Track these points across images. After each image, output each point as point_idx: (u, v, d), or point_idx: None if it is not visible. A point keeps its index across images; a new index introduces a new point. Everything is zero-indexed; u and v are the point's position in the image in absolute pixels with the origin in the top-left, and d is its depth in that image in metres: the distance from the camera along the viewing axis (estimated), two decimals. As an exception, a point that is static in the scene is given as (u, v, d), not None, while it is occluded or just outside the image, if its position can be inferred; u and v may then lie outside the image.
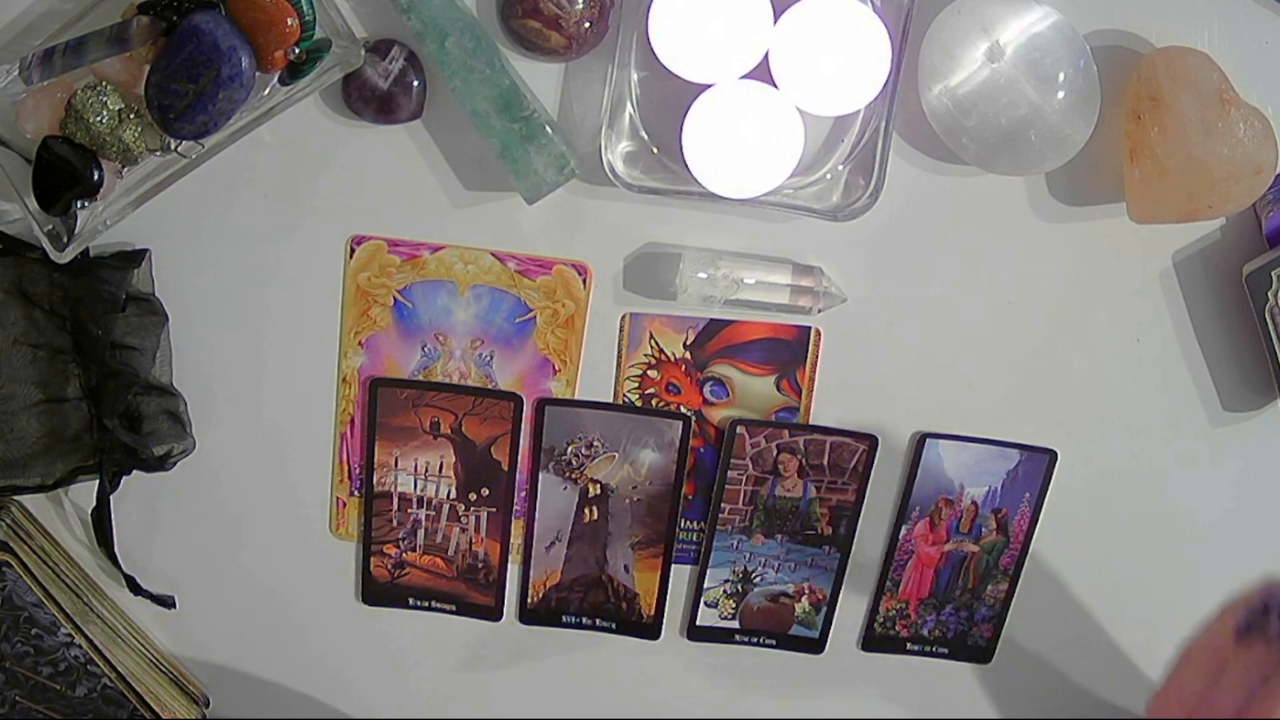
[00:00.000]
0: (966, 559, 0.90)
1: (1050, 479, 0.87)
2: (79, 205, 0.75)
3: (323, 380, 0.85)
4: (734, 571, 0.90)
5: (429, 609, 0.91)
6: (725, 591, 0.90)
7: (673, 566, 0.90)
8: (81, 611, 0.85)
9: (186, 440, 0.85)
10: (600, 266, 0.82)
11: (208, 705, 0.94)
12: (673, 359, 0.84)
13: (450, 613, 0.91)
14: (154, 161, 0.75)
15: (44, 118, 0.73)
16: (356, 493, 0.88)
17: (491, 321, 0.83)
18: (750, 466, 0.86)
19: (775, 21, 0.72)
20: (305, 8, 0.70)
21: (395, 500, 0.88)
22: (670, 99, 0.75)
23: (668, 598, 0.90)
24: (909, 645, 0.92)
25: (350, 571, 0.91)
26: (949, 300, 0.83)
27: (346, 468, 0.87)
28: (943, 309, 0.83)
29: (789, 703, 0.94)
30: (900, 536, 0.89)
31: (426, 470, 0.87)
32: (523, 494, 0.88)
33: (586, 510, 0.88)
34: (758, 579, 0.90)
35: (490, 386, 0.85)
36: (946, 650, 0.93)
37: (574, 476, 0.87)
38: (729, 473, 0.86)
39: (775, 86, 0.73)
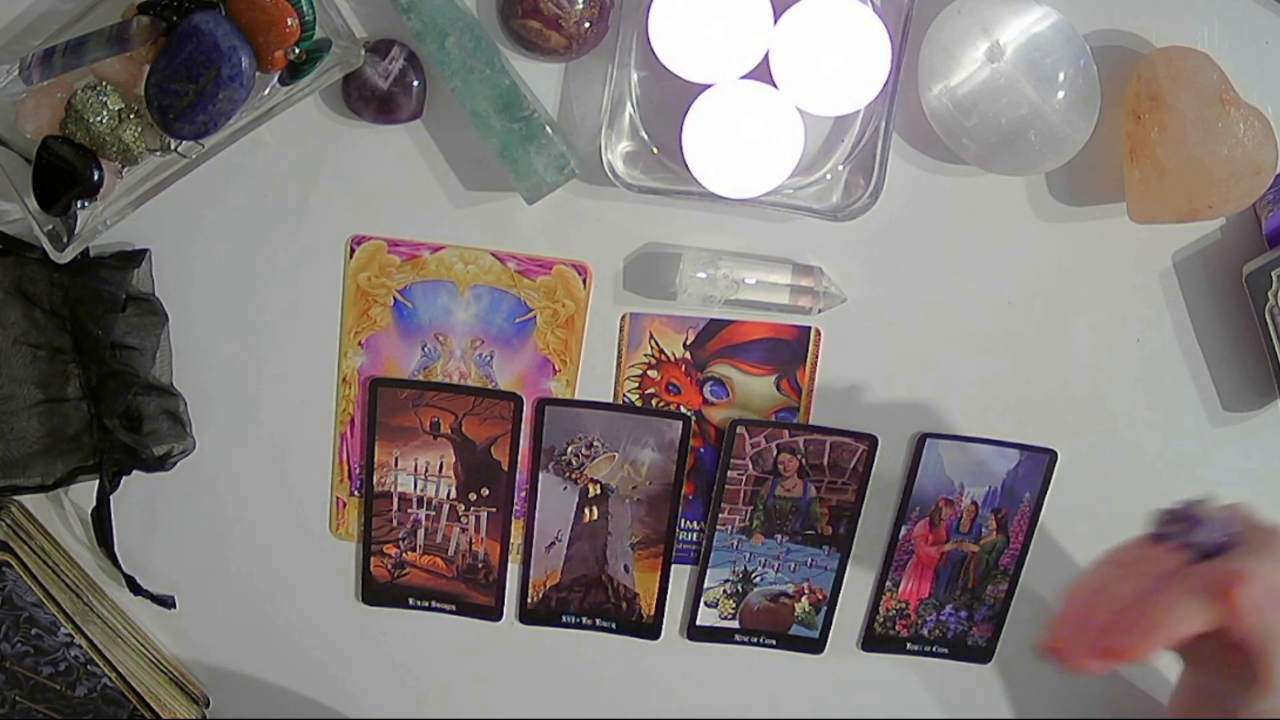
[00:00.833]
0: (966, 559, 0.90)
1: (1050, 479, 0.87)
2: (79, 205, 0.75)
3: (323, 380, 0.85)
4: (734, 571, 0.90)
5: (429, 609, 0.91)
6: (725, 591, 0.90)
7: (673, 566, 0.90)
8: (81, 611, 0.85)
9: (186, 440, 0.85)
10: (600, 266, 0.82)
11: (208, 705, 0.94)
12: (673, 359, 0.84)
13: (450, 613, 0.91)
14: (154, 161, 0.75)
15: (44, 118, 0.73)
16: (356, 493, 0.88)
17: (491, 321, 0.83)
18: (750, 466, 0.86)
19: (775, 21, 0.72)
20: (305, 8, 0.70)
21: (395, 500, 0.88)
22: (670, 99, 0.75)
23: (668, 598, 0.90)
24: (909, 645, 0.92)
25: (350, 571, 0.91)
26: (949, 300, 0.83)
27: (346, 468, 0.87)
28: (943, 309, 0.83)
29: (789, 703, 0.94)
30: (900, 536, 0.89)
31: (426, 470, 0.87)
32: (523, 494, 0.88)
33: (586, 510, 0.88)
34: (758, 579, 0.90)
35: (490, 386, 0.85)
36: (946, 650, 0.93)
37: (574, 476, 0.87)
38: (729, 473, 0.86)
39: (775, 86, 0.73)
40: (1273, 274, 0.79)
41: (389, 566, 0.90)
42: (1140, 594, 0.65)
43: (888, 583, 0.90)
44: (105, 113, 0.72)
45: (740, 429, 0.85)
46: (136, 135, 0.73)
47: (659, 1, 0.71)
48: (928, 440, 0.86)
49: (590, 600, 0.91)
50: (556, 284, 0.82)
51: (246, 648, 0.93)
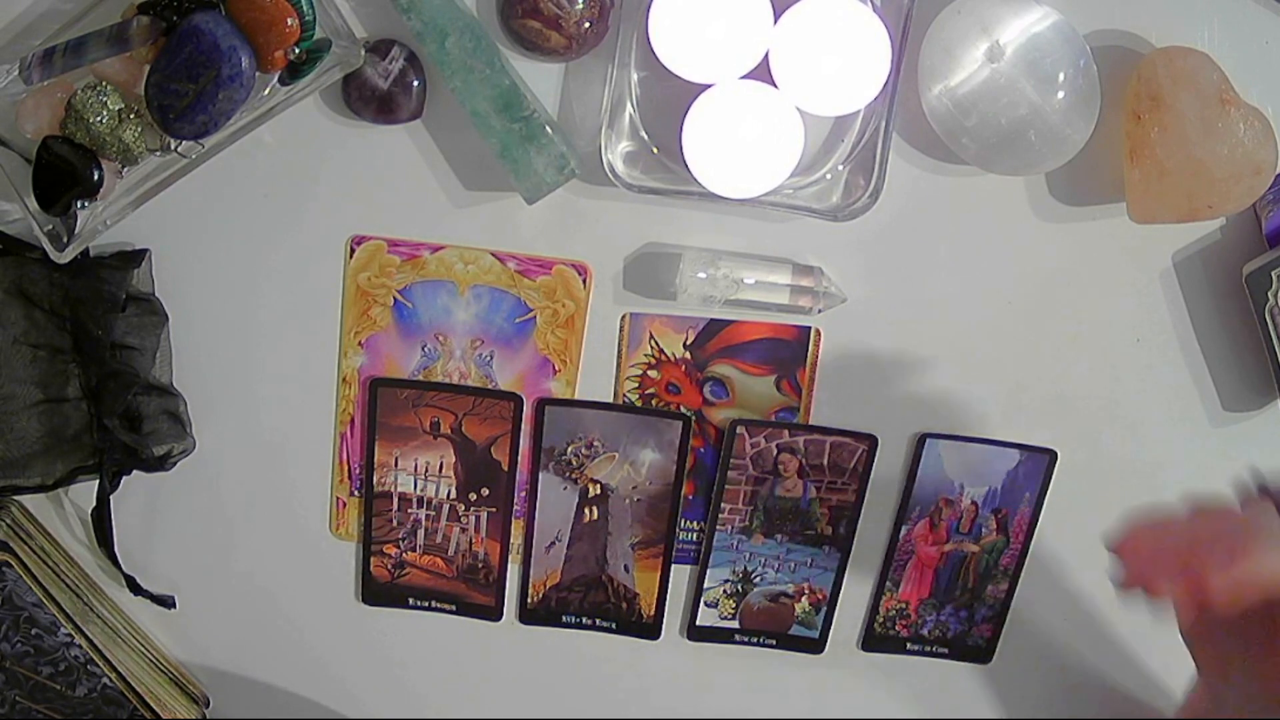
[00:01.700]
0: (966, 559, 0.90)
1: (1050, 479, 0.87)
2: (79, 205, 0.75)
3: (323, 380, 0.85)
4: (734, 571, 0.90)
5: (429, 609, 0.91)
6: (725, 591, 0.90)
7: (673, 566, 0.90)
8: (81, 611, 0.85)
9: (186, 440, 0.85)
10: (600, 266, 0.82)
11: (208, 705, 0.94)
12: (673, 359, 0.84)
13: (450, 613, 0.91)
14: (154, 161, 0.75)
15: (44, 118, 0.73)
16: (356, 493, 0.88)
17: (491, 321, 0.83)
18: (750, 466, 0.86)
19: (775, 21, 0.72)
20: (305, 8, 0.70)
21: (395, 500, 0.88)
22: (670, 99, 0.75)
23: (668, 598, 0.90)
24: (909, 645, 0.92)
25: (350, 571, 0.91)
26: (949, 300, 0.83)
27: (346, 468, 0.87)
28: (943, 309, 0.83)
29: (789, 703, 0.94)
30: (900, 536, 0.89)
31: (426, 470, 0.87)
32: (523, 494, 0.88)
33: (586, 510, 0.88)
34: (758, 579, 0.90)
35: (490, 386, 0.85)
36: (946, 650, 0.93)
37: (574, 476, 0.87)
38: (729, 473, 0.86)
39: (775, 86, 0.73)
40: (1273, 274, 0.79)
41: (389, 566, 0.90)
42: (1233, 534, 0.63)
43: (888, 583, 0.90)
44: (105, 113, 0.72)
45: (740, 429, 0.85)
46: (136, 135, 0.73)
47: (659, 1, 0.71)
48: (928, 440, 0.86)
49: (590, 600, 0.91)
50: (556, 284, 0.82)
51: (246, 648, 0.93)
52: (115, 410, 0.80)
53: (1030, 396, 0.85)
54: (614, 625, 0.91)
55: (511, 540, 0.89)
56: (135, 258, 0.80)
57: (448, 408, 0.85)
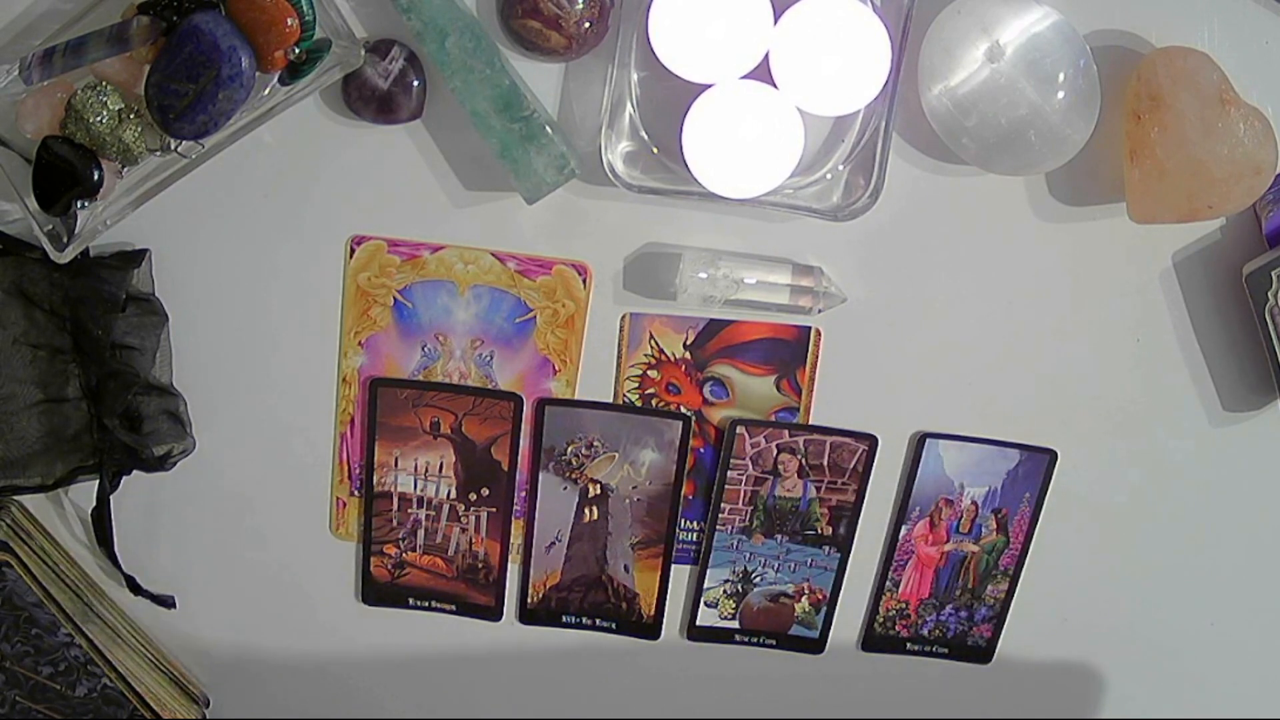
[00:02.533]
0: (966, 559, 0.90)
1: (1050, 479, 0.87)
2: (79, 205, 0.75)
3: (323, 380, 0.85)
4: (734, 571, 0.90)
5: (429, 609, 0.91)
6: (725, 591, 0.90)
7: (673, 566, 0.90)
8: (81, 611, 0.85)
9: (186, 440, 0.85)
10: (600, 266, 0.82)
11: (208, 705, 0.94)
12: (673, 359, 0.84)
13: (450, 613, 0.91)
14: (154, 161, 0.75)
15: (44, 118, 0.73)
16: (356, 493, 0.88)
17: (491, 321, 0.83)
18: (750, 466, 0.86)
19: (775, 21, 0.72)
20: (305, 8, 0.70)
21: (395, 500, 0.88)
22: (670, 99, 0.75)
23: (668, 598, 0.90)
24: (909, 645, 0.92)
25: (350, 571, 0.91)
26: (949, 300, 0.83)
27: (346, 468, 0.87)
28: (943, 309, 0.83)
29: (789, 703, 0.94)
30: (900, 536, 0.89)
31: (426, 470, 0.87)
32: (523, 494, 0.88)
33: (586, 510, 0.88)
34: (758, 579, 0.90)
35: (490, 386, 0.85)
36: (946, 650, 0.93)
37: (574, 476, 0.87)
38: (729, 473, 0.86)
39: (775, 86, 0.73)
40: (1273, 274, 0.79)
41: (389, 566, 0.90)
42: None
43: (888, 583, 0.90)
44: (105, 113, 0.72)
45: (740, 429, 0.85)
46: (136, 135, 0.73)
47: (659, 1, 0.71)
48: (928, 440, 0.86)
49: (590, 600, 0.91)
50: (556, 284, 0.82)
51: (246, 647, 0.93)
52: (115, 410, 0.80)
53: (1030, 396, 0.85)
54: (614, 625, 0.91)
55: (511, 540, 0.89)
56: (135, 258, 0.80)
57: (448, 408, 0.85)
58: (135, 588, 0.88)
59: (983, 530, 0.89)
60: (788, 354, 0.84)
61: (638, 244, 0.81)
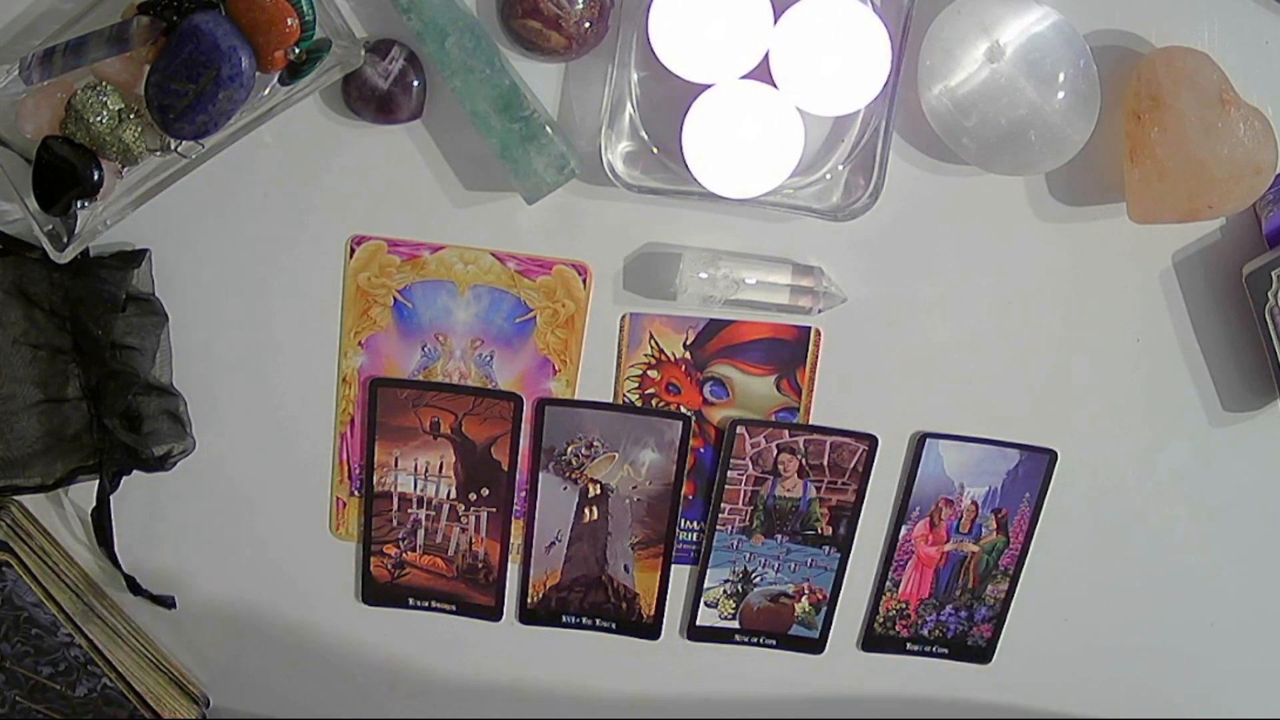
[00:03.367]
0: (966, 559, 0.90)
1: (1050, 479, 0.87)
2: (79, 205, 0.75)
3: (323, 380, 0.85)
4: (734, 571, 0.90)
5: (429, 609, 0.91)
6: (725, 591, 0.90)
7: (673, 566, 0.90)
8: (81, 611, 0.85)
9: (186, 440, 0.85)
10: (600, 266, 0.82)
11: (208, 705, 0.94)
12: (673, 359, 0.84)
13: (450, 613, 0.91)
14: (154, 161, 0.75)
15: (44, 118, 0.73)
16: (356, 493, 0.88)
17: (491, 321, 0.83)
18: (750, 466, 0.86)
19: (775, 21, 0.72)
20: (305, 8, 0.70)
21: (395, 500, 0.88)
22: (670, 99, 0.75)
23: (668, 598, 0.90)
24: (909, 645, 0.92)
25: (350, 571, 0.91)
26: (949, 300, 0.83)
27: (346, 468, 0.87)
28: (943, 309, 0.83)
29: (789, 703, 0.94)
30: (900, 536, 0.89)
31: (426, 470, 0.87)
32: (523, 494, 0.88)
33: (586, 510, 0.88)
34: (758, 579, 0.90)
35: (490, 386, 0.85)
36: (946, 650, 0.93)
37: (574, 476, 0.87)
38: (729, 473, 0.86)
39: (775, 86, 0.73)
40: (1273, 274, 0.79)
41: (389, 566, 0.90)
42: None
43: (888, 583, 0.90)
44: (105, 113, 0.72)
45: (740, 429, 0.85)
46: (136, 135, 0.73)
47: (659, 1, 0.71)
48: (928, 440, 0.86)
49: (590, 600, 0.91)
50: (556, 284, 0.82)
51: (246, 648, 0.93)
52: (115, 410, 0.80)
53: (1030, 396, 0.85)
54: (614, 625, 0.91)
55: (511, 540, 0.89)
56: (135, 258, 0.80)
57: (448, 408, 0.85)
58: (135, 588, 0.88)
59: (983, 530, 0.89)
60: (788, 354, 0.84)
61: (638, 244, 0.81)
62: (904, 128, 0.78)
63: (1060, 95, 0.73)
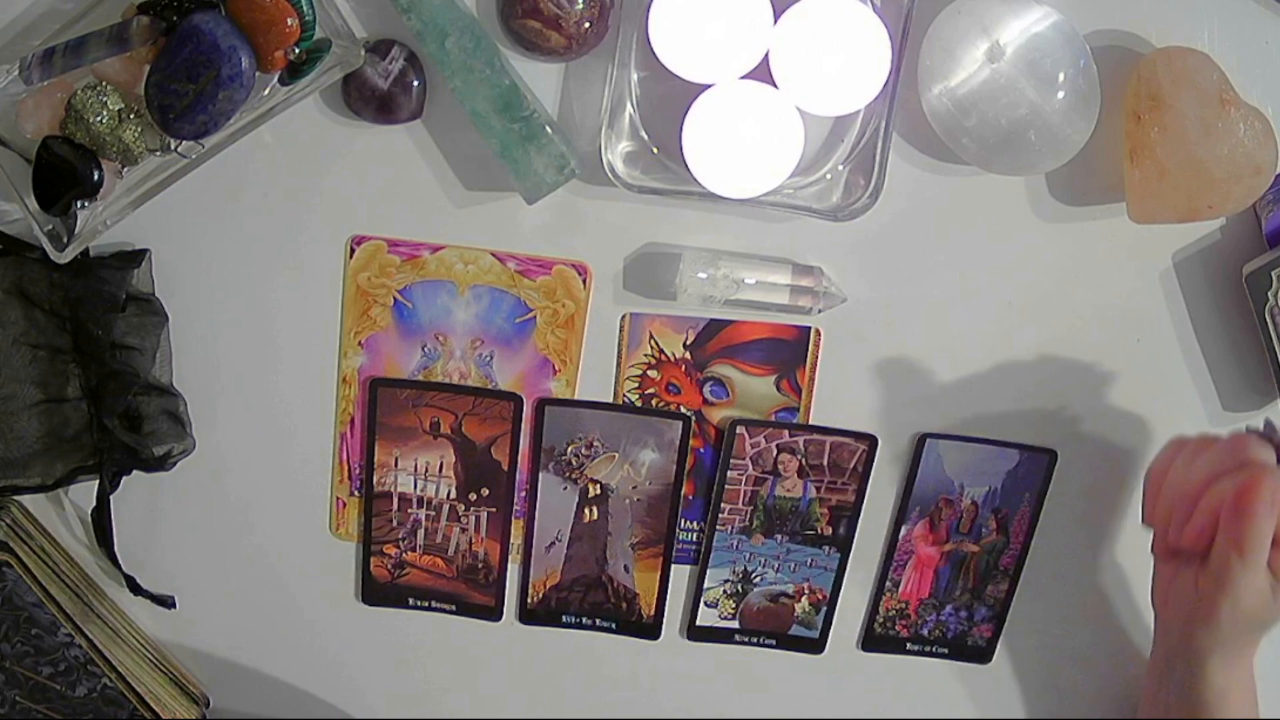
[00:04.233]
0: (966, 559, 0.90)
1: (1050, 479, 0.87)
2: (79, 205, 0.75)
3: (323, 380, 0.85)
4: (734, 571, 0.90)
5: (429, 609, 0.91)
6: (725, 591, 0.90)
7: (673, 566, 0.90)
8: (81, 611, 0.85)
9: (186, 440, 0.85)
10: (600, 266, 0.82)
11: (208, 705, 0.94)
12: (673, 359, 0.84)
13: (450, 613, 0.91)
14: (154, 161, 0.75)
15: (44, 118, 0.73)
16: (356, 493, 0.88)
17: (491, 321, 0.83)
18: (750, 466, 0.86)
19: (775, 21, 0.72)
20: (305, 8, 0.70)
21: (395, 500, 0.88)
22: (670, 99, 0.75)
23: (668, 598, 0.90)
24: (909, 645, 0.92)
25: (350, 571, 0.91)
26: (949, 300, 0.83)
27: (346, 468, 0.87)
28: (943, 309, 0.83)
29: (789, 703, 0.94)
30: (900, 536, 0.89)
31: (426, 470, 0.87)
32: (523, 494, 0.88)
33: (586, 510, 0.88)
34: (758, 579, 0.90)
35: (490, 386, 0.85)
36: (946, 650, 0.93)
37: (574, 476, 0.87)
38: (729, 473, 0.86)
39: (775, 86, 0.73)
40: (1273, 274, 0.79)
41: (389, 566, 0.90)
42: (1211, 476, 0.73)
43: (888, 583, 0.90)
44: (105, 113, 0.72)
45: (740, 429, 0.85)
46: (136, 135, 0.73)
47: (659, 1, 0.71)
48: (928, 440, 0.86)
49: (590, 600, 0.91)
50: (556, 284, 0.82)
51: (246, 647, 0.93)
52: (115, 410, 0.80)
53: (1030, 396, 0.85)
54: (614, 625, 0.91)
55: (511, 540, 0.89)
56: (135, 258, 0.80)
57: (448, 408, 0.85)
58: (135, 588, 0.88)
59: (983, 530, 0.89)
60: (788, 354, 0.84)
61: (638, 244, 0.81)
62: (904, 128, 0.78)
63: (1060, 95, 0.73)
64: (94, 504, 0.84)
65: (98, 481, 0.83)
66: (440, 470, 0.87)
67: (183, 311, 0.83)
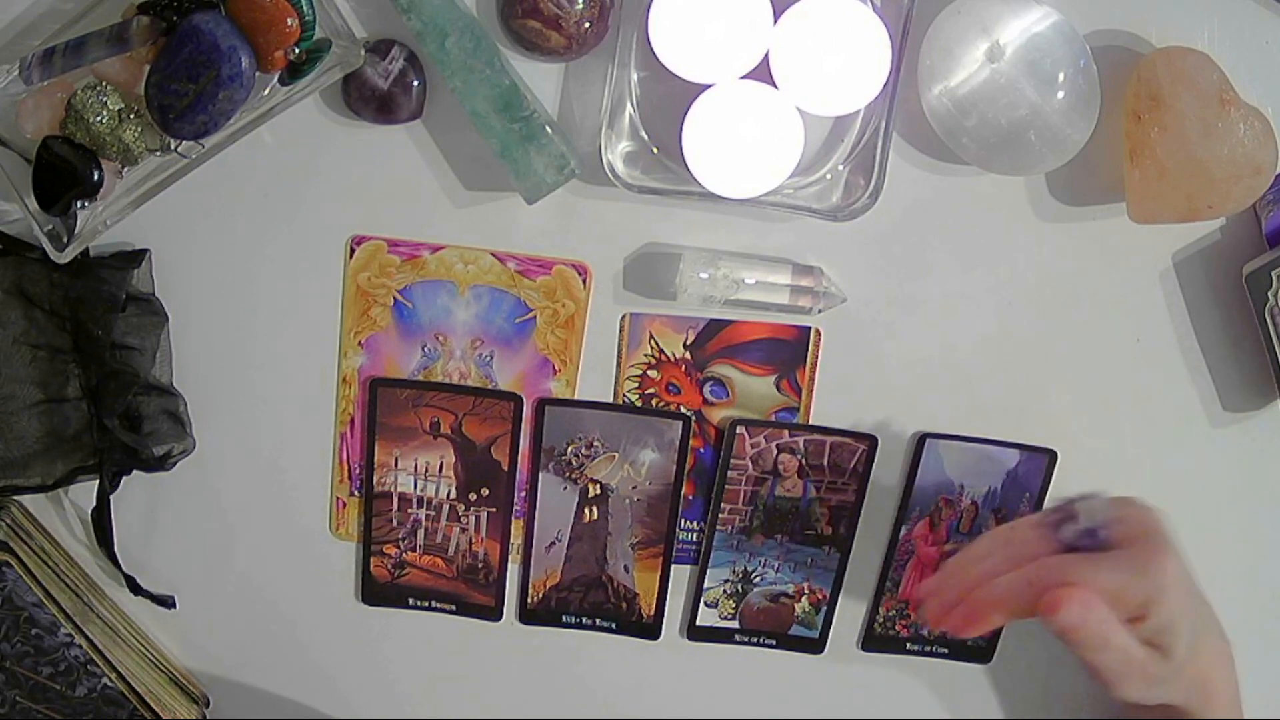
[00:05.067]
0: (966, 559, 0.89)
1: (1050, 479, 0.87)
2: (79, 205, 0.75)
3: (323, 380, 0.85)
4: (734, 571, 0.90)
5: (429, 609, 0.91)
6: (725, 591, 0.90)
7: (673, 566, 0.90)
8: (81, 611, 0.85)
9: (186, 440, 0.85)
10: (600, 266, 0.82)
11: (208, 705, 0.94)
12: (673, 359, 0.84)
13: (450, 613, 0.91)
14: (154, 161, 0.75)
15: (44, 118, 0.73)
16: (356, 493, 0.88)
17: (491, 321, 0.83)
18: (750, 466, 0.86)
19: (775, 21, 0.72)
20: (305, 8, 0.70)
21: (395, 500, 0.88)
22: (670, 99, 0.75)
23: (668, 598, 0.90)
24: (909, 645, 0.92)
25: (350, 571, 0.91)
26: (949, 300, 0.83)
27: (346, 468, 0.87)
28: (943, 309, 0.83)
29: (789, 703, 0.94)
30: (900, 536, 0.89)
31: (426, 470, 0.87)
32: (523, 494, 0.88)
33: (586, 510, 0.88)
34: (758, 579, 0.90)
35: (490, 386, 0.85)
36: (946, 650, 0.93)
37: (574, 476, 0.87)
38: (729, 473, 0.86)
39: (775, 86, 0.73)
40: (1273, 274, 0.79)
41: (389, 566, 0.90)
42: (995, 571, 0.67)
43: (888, 583, 0.90)
44: (105, 113, 0.72)
45: (740, 429, 0.85)
46: (136, 135, 0.73)
47: (659, 1, 0.71)
48: (928, 440, 0.86)
49: (590, 600, 0.91)
50: (556, 284, 0.82)
51: (247, 647, 0.93)
52: (115, 410, 0.80)
53: (1030, 396, 0.85)
54: (614, 625, 0.91)
55: (511, 540, 0.89)
56: (135, 258, 0.80)
57: (448, 408, 0.85)
58: (135, 588, 0.88)
59: (983, 530, 0.89)
60: (788, 354, 0.84)
61: (638, 244, 0.81)
62: (904, 128, 0.78)
63: (1060, 95, 0.73)
64: (94, 504, 0.84)
65: (98, 481, 0.83)
66: (440, 470, 0.87)
67: (183, 311, 0.83)
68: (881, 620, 0.91)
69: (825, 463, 0.86)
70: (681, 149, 0.74)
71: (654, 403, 0.85)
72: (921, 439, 0.86)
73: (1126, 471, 0.87)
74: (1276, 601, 0.92)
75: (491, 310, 0.83)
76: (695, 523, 0.89)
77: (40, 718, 0.87)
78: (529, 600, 0.91)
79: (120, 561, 0.87)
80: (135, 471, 0.83)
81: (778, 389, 0.85)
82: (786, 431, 0.85)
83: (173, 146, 0.74)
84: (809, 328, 0.83)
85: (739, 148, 0.74)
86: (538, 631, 0.92)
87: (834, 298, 0.81)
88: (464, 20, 0.74)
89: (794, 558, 0.89)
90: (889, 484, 0.88)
